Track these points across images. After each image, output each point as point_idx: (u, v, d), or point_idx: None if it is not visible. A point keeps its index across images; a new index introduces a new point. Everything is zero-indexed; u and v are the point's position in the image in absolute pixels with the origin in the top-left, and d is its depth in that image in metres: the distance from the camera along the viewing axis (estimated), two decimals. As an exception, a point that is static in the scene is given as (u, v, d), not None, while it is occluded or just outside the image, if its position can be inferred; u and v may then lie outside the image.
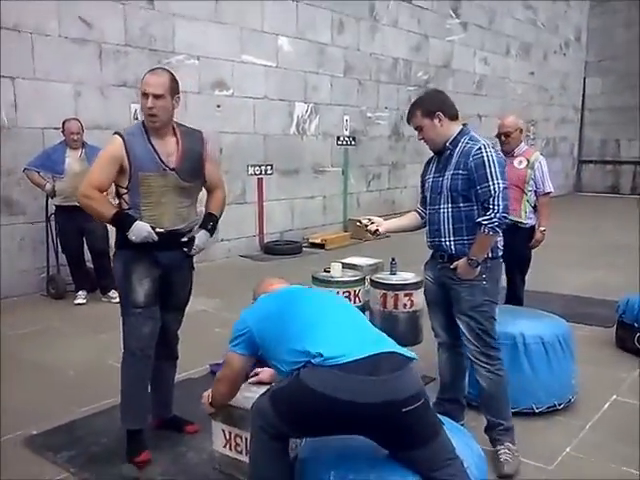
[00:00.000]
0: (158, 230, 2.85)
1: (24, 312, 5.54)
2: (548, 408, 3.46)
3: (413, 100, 3.07)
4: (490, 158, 2.80)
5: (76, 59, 6.38)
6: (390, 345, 2.14)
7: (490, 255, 2.91)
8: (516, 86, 14.61)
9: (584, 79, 17.82)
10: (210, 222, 3.11)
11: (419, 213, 3.26)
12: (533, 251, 4.69)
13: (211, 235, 3.12)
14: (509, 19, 14.09)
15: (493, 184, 2.77)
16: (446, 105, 2.97)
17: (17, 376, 4.03)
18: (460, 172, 2.86)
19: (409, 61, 11.19)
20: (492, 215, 2.77)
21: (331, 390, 1.96)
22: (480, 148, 2.82)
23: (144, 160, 2.82)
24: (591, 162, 18.05)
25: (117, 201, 2.96)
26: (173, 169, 2.88)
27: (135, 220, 2.83)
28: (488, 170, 2.78)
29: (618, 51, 16.74)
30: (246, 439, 2.73)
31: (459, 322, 2.99)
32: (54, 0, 6.14)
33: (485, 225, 2.78)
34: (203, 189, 3.16)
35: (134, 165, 2.81)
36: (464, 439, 2.37)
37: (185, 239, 2.99)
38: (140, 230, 2.81)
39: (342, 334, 2.14)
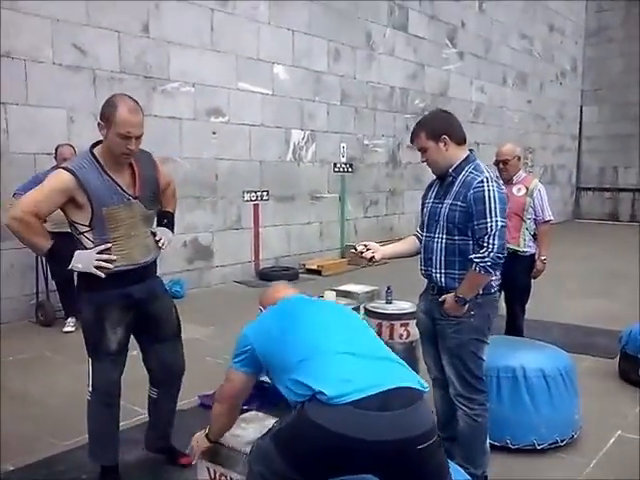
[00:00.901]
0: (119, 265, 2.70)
1: (12, 339, 5.39)
2: (550, 444, 3.32)
3: (419, 119, 2.88)
4: (491, 193, 2.62)
5: (70, 85, 6.34)
6: (401, 376, 1.98)
7: (481, 291, 2.72)
8: (513, 114, 14.67)
9: (581, 107, 17.92)
10: (165, 219, 3.02)
11: (418, 237, 3.04)
12: (533, 280, 4.59)
13: (172, 232, 3.04)
14: (505, 48, 14.21)
15: (491, 221, 2.60)
16: (453, 128, 2.79)
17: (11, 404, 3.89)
18: (459, 203, 2.69)
19: (406, 89, 11.22)
20: (486, 254, 2.59)
21: (342, 427, 1.82)
22: (482, 181, 2.64)
23: (105, 194, 2.62)
24: (589, 189, 18.05)
25: (77, 239, 2.74)
26: (136, 197, 2.72)
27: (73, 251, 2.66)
28: (487, 206, 2.61)
29: (614, 80, 16.88)
30: (231, 479, 2.60)
31: (443, 359, 2.82)
32: (49, 27, 6.13)
33: (477, 263, 2.61)
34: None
35: (95, 201, 2.59)
36: (462, 481, 2.25)
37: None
38: (88, 256, 2.63)
39: (349, 365, 1.96)
